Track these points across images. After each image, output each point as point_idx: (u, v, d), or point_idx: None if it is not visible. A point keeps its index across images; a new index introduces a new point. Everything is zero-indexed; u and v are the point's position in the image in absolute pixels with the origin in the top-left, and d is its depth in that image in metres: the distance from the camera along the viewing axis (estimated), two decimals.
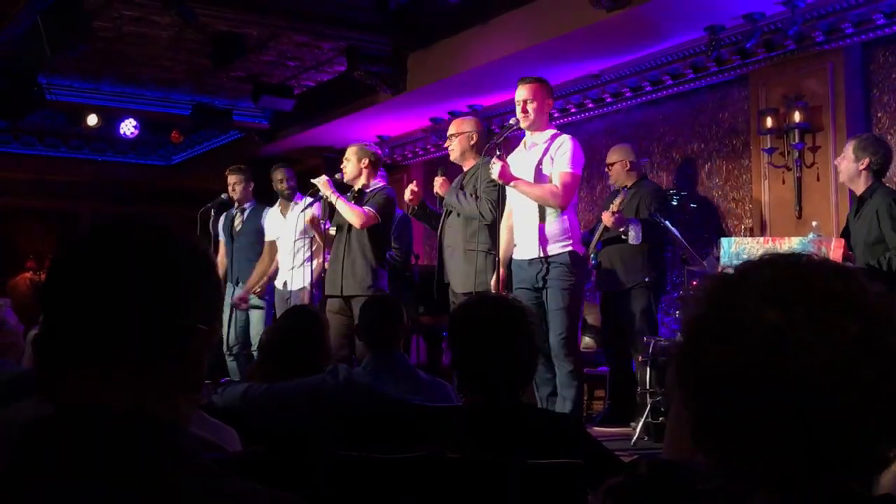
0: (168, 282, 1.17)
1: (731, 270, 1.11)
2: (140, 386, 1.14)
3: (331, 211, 6.54)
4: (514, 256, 5.59)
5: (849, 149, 5.41)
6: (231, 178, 7.98)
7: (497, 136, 5.81)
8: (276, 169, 7.82)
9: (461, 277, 5.98)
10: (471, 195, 5.99)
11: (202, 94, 10.02)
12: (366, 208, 6.32)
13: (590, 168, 7.61)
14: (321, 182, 6.48)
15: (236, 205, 8.01)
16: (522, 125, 5.55)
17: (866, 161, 5.30)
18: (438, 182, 6.47)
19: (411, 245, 7.71)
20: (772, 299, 1.04)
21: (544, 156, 5.50)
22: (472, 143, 6.24)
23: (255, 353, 7.64)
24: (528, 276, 5.45)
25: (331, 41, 8.38)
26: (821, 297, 1.03)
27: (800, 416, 1.00)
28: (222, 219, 8.09)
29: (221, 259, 7.85)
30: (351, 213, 6.33)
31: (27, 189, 12.58)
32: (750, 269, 1.09)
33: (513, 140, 6.04)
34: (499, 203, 5.72)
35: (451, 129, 6.40)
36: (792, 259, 1.09)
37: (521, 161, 5.59)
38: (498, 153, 5.57)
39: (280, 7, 7.72)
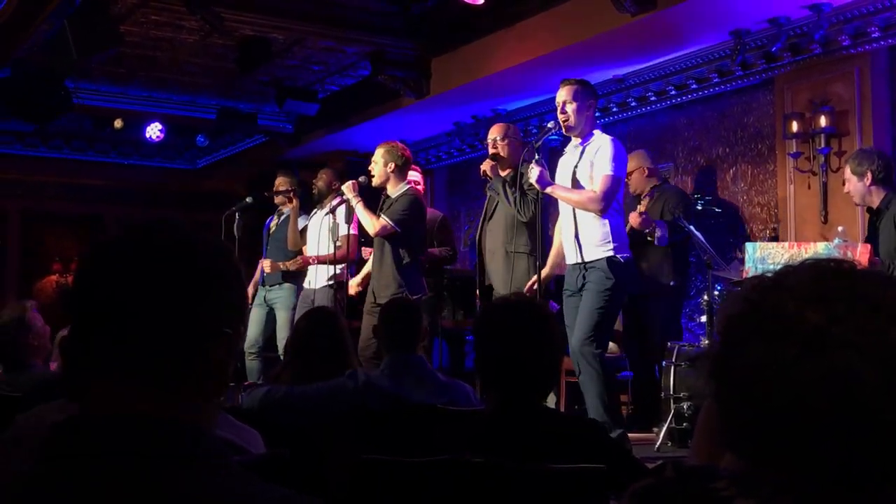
0: (197, 288, 1.17)
1: (770, 273, 1.10)
2: (166, 391, 1.15)
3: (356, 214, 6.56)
4: (566, 262, 5.53)
5: (847, 172, 5.42)
6: (276, 180, 8.05)
7: (535, 139, 5.76)
8: (322, 171, 7.89)
9: (503, 280, 5.92)
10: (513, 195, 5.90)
11: (227, 99, 10.07)
12: (382, 218, 6.30)
13: None
14: (346, 186, 6.49)
15: (277, 207, 8.12)
16: (563, 128, 5.46)
17: (869, 174, 5.30)
18: (488, 164, 6.10)
19: (455, 244, 7.73)
20: (812, 299, 1.03)
21: (581, 159, 5.42)
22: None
23: (280, 357, 7.67)
24: (571, 280, 5.40)
25: (355, 46, 8.41)
26: (862, 299, 1.02)
27: (837, 420, 0.99)
28: (268, 221, 8.21)
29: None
30: (368, 221, 6.33)
31: (54, 192, 12.69)
32: (791, 270, 1.09)
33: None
34: (538, 203, 5.68)
35: (491, 135, 6.24)
36: (834, 263, 1.08)
37: (564, 164, 5.53)
38: (536, 157, 5.53)
39: (305, 12, 7.75)
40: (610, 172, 5.25)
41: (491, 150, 6.11)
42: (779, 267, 1.10)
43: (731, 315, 1.09)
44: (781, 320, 1.03)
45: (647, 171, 6.88)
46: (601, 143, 5.36)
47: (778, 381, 1.02)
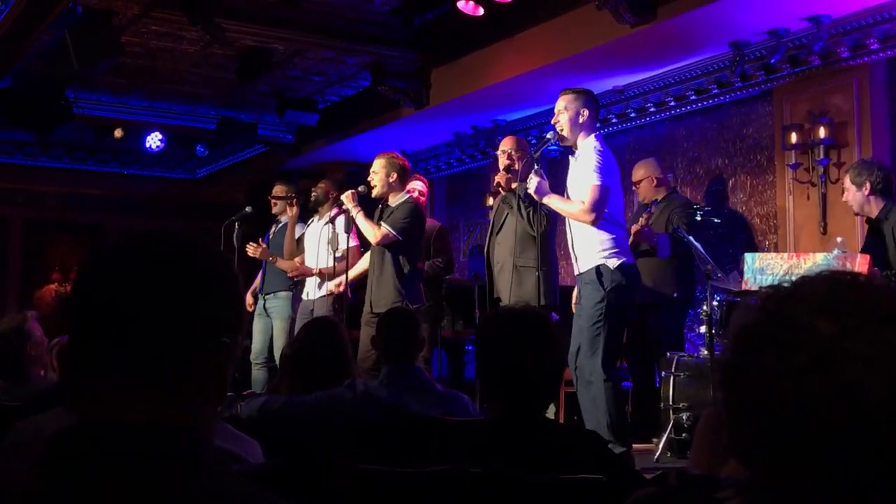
0: (194, 295, 1.17)
1: (787, 284, 1.10)
2: (165, 398, 1.15)
3: (355, 224, 6.56)
4: None
5: (847, 181, 5.44)
6: (274, 189, 8.05)
7: (534, 149, 5.74)
8: (321, 181, 7.88)
9: (510, 293, 5.82)
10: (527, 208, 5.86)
11: (228, 109, 10.09)
12: (384, 226, 6.31)
13: None
14: (346, 196, 6.49)
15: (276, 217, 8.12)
16: (559, 138, 5.43)
17: (868, 185, 5.32)
18: (503, 177, 6.03)
19: (452, 255, 7.72)
20: (826, 310, 1.03)
21: (572, 168, 5.40)
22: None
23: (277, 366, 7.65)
24: (576, 292, 5.38)
25: (355, 56, 8.43)
26: (875, 311, 1.02)
27: (846, 431, 0.99)
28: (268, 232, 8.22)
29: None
30: (369, 230, 6.33)
31: (54, 202, 12.70)
32: (808, 281, 1.09)
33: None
34: (549, 218, 5.66)
35: (505, 147, 6.20)
36: (850, 276, 1.08)
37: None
38: (535, 167, 5.50)
39: (305, 23, 7.77)
40: (596, 182, 5.15)
41: (506, 162, 6.06)
42: (792, 278, 1.10)
43: (744, 324, 1.09)
44: (794, 331, 1.04)
45: (655, 181, 6.86)
46: (587, 154, 5.28)
47: (789, 391, 1.01)
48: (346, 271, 6.85)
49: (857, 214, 5.72)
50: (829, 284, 1.07)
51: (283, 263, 7.74)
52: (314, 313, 7.08)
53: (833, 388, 0.99)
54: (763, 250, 7.18)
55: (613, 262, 5.17)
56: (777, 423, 1.02)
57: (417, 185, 6.91)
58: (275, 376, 7.34)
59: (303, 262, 7.59)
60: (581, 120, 5.32)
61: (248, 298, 7.88)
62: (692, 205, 7.21)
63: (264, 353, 7.80)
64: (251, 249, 7.75)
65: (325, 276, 7.25)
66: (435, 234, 7.29)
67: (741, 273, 5.65)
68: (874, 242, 5.37)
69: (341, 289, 6.91)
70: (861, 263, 5.05)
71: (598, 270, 5.16)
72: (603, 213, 5.19)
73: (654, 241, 6.39)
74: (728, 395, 1.09)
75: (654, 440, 5.97)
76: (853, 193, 5.40)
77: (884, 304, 1.03)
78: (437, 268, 7.26)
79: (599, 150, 5.25)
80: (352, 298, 7.27)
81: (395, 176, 6.42)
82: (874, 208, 5.36)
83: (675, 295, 6.59)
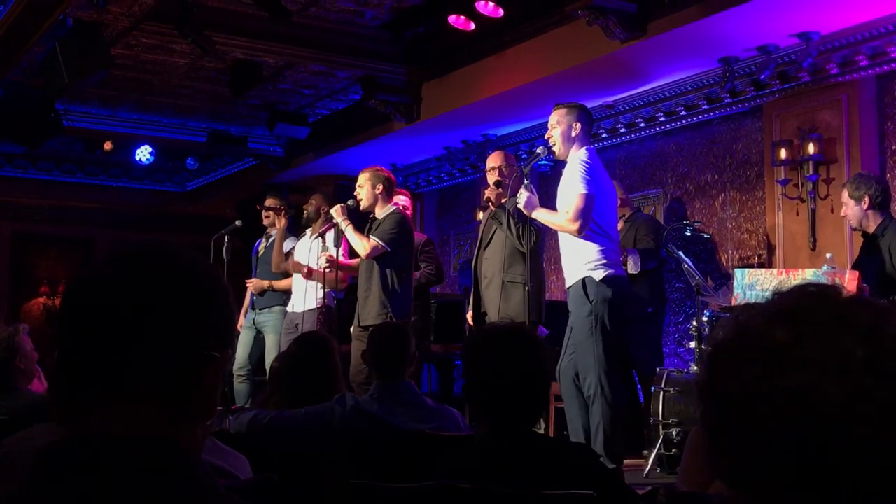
0: (184, 308, 1.17)
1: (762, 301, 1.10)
2: (154, 412, 1.15)
3: (345, 239, 6.56)
4: None
5: (845, 195, 5.44)
6: (266, 202, 8.05)
7: (524, 164, 5.74)
8: (313, 196, 7.87)
9: (498, 308, 5.80)
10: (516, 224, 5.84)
11: (218, 122, 10.09)
12: (373, 239, 6.31)
13: None
14: (335, 210, 6.51)
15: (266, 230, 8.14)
16: (552, 152, 5.44)
17: (867, 199, 5.32)
18: (493, 192, 6.00)
19: (441, 263, 7.71)
20: (781, 319, 1.03)
21: (561, 181, 5.41)
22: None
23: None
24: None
25: (346, 70, 8.45)
26: (829, 319, 1.02)
27: (808, 442, 0.98)
28: (256, 244, 8.23)
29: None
30: (358, 243, 6.34)
31: (43, 215, 12.67)
32: (776, 296, 1.09)
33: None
34: (540, 233, 5.66)
35: (495, 162, 6.20)
36: (816, 287, 1.08)
37: None
38: (525, 182, 5.50)
39: (296, 36, 7.78)
40: (581, 191, 5.14)
41: (497, 178, 6.06)
42: (769, 293, 1.11)
43: (714, 339, 1.10)
44: (750, 340, 1.04)
45: (620, 202, 6.91)
46: (573, 164, 5.28)
47: (750, 402, 1.01)
48: (335, 283, 6.84)
49: (854, 229, 5.71)
50: (791, 295, 1.07)
51: (279, 284, 7.74)
52: (300, 327, 7.07)
53: (786, 396, 0.99)
54: (752, 266, 7.20)
55: (599, 274, 5.15)
56: (744, 436, 1.02)
57: (401, 200, 6.93)
58: (258, 390, 7.33)
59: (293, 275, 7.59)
60: (573, 133, 5.34)
61: (241, 320, 7.88)
62: (658, 223, 7.25)
63: (247, 366, 7.78)
64: (251, 286, 7.85)
65: (314, 275, 7.17)
66: (421, 246, 7.29)
67: (731, 289, 5.66)
68: (869, 258, 5.37)
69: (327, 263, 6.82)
70: (850, 280, 5.06)
71: (584, 283, 5.15)
72: (588, 223, 5.16)
73: (624, 257, 6.40)
74: (704, 410, 1.09)
75: (645, 452, 5.96)
76: (851, 208, 5.39)
77: (841, 311, 1.03)
78: (429, 275, 7.27)
79: (586, 161, 5.25)
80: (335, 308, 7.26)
81: (380, 188, 6.46)
82: (872, 223, 5.36)
83: (649, 310, 6.62)
